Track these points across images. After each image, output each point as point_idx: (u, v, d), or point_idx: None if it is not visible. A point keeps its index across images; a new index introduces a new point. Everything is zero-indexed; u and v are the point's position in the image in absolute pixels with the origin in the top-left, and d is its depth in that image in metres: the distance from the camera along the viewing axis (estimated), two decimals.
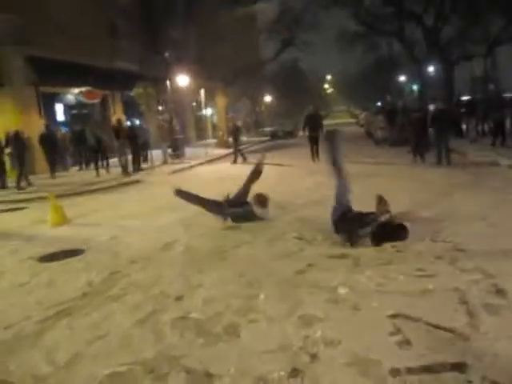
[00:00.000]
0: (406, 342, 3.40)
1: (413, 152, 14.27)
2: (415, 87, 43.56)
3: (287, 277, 4.90)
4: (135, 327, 4.01)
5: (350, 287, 4.48)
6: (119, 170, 16.38)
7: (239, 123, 21.87)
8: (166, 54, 24.43)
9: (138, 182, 14.51)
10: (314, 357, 3.30)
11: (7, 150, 15.04)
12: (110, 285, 5.15)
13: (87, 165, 19.21)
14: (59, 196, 10.78)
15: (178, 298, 4.56)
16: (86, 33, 20.05)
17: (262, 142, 32.85)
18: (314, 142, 16.65)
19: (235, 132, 19.54)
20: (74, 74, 19.40)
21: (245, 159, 18.63)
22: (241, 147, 20.05)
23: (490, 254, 5.09)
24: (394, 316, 3.80)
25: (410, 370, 3.06)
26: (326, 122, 17.39)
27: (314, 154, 16.62)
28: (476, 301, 3.96)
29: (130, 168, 16.61)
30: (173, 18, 24.99)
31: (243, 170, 15.90)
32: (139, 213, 9.34)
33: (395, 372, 3.05)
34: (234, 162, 18.81)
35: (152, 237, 7.18)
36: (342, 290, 4.43)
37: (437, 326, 3.58)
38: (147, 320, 4.12)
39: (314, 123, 16.89)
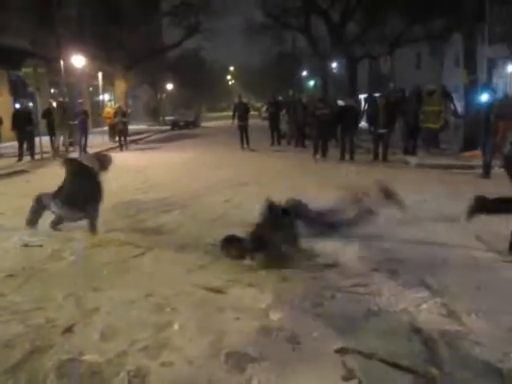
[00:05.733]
0: None
1: (314, 149, 13.91)
2: (312, 82, 44.34)
3: (205, 297, 4.06)
4: (4, 376, 2.94)
5: (283, 311, 3.75)
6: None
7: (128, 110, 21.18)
8: (60, 31, 22.37)
9: (23, 171, 12.77)
10: None
11: None
12: None
13: None
14: None
15: (68, 330, 3.52)
16: None
17: (162, 132, 31.49)
18: (243, 130, 16.93)
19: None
20: None
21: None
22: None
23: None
24: (342, 351, 3.12)
25: None
26: (226, 114, 17.67)
27: (244, 141, 16.88)
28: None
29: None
30: None
31: (135, 160, 15.01)
32: (17, 211, 7.50)
33: None
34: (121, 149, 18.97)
35: (33, 242, 5.81)
36: (273, 316, 3.68)
37: (394, 365, 2.95)
38: (24, 365, 3.06)
39: (242, 112, 17.10)
